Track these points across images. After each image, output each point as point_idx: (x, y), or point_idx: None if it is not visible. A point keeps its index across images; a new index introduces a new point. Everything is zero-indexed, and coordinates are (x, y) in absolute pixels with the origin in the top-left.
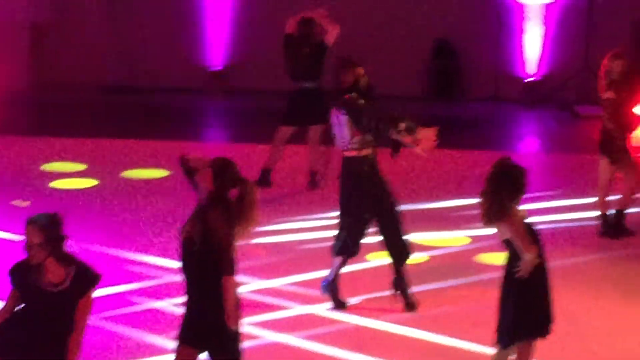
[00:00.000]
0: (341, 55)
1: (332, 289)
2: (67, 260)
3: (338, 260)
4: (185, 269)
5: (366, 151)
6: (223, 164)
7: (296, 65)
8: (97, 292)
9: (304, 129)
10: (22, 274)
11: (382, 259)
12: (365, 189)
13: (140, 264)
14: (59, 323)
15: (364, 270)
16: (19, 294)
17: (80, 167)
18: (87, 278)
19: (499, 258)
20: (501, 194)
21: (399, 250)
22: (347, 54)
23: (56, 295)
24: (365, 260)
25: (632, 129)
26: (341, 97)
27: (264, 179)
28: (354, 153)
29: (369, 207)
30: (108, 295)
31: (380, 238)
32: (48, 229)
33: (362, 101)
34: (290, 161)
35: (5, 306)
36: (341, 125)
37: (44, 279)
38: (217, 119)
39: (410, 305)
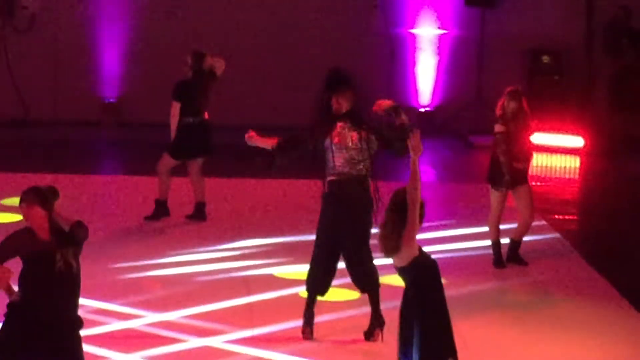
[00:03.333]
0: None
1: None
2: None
3: None
4: None
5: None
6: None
7: (193, 101)
8: None
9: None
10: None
11: (284, 290)
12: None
13: None
14: None
15: (262, 302)
16: None
17: None
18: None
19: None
20: (399, 225)
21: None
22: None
23: None
24: (263, 292)
25: (527, 159)
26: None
27: (160, 211)
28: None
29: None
30: None
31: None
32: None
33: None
34: (178, 193)
35: None
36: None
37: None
38: (111, 151)
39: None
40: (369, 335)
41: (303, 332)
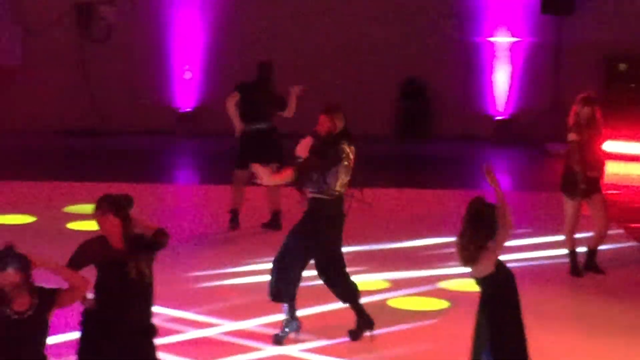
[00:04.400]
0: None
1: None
2: (33, 289)
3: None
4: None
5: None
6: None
7: (251, 107)
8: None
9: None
10: None
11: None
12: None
13: None
14: (29, 350)
15: (342, 310)
16: None
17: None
18: (46, 296)
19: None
20: (477, 234)
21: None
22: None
23: (23, 322)
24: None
25: (600, 167)
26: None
27: (233, 220)
28: (331, 196)
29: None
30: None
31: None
32: (24, 267)
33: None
34: (254, 202)
35: None
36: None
37: (11, 308)
38: (187, 161)
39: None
40: (355, 335)
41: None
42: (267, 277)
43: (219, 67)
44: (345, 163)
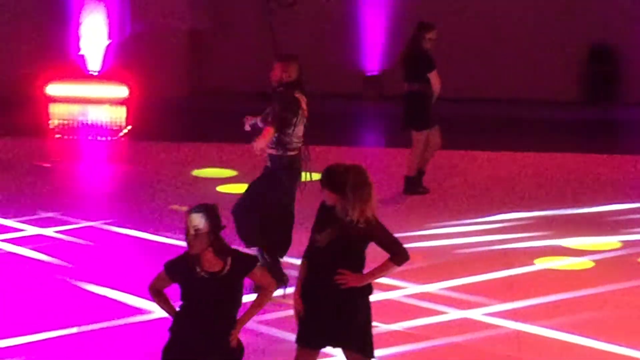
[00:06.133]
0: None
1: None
2: (224, 251)
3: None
4: (316, 267)
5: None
6: (329, 175)
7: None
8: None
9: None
10: (179, 269)
11: (544, 263)
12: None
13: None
14: (224, 306)
15: (522, 275)
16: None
17: (231, 173)
18: (245, 262)
19: None
20: None
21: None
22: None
23: (218, 281)
24: (524, 265)
25: None
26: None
27: (416, 184)
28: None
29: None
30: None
31: None
32: (213, 219)
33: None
34: (440, 166)
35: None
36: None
37: (203, 269)
38: (373, 124)
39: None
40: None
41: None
42: (450, 241)
43: (405, 30)
44: (300, 112)
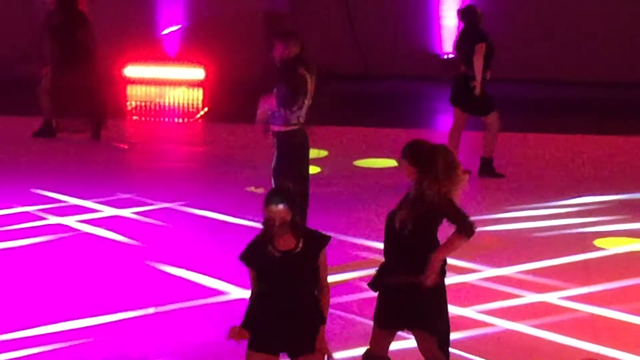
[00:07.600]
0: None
1: None
2: (298, 229)
3: None
4: (392, 252)
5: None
6: (414, 148)
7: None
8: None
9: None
10: (254, 255)
11: (622, 246)
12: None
13: (366, 249)
14: (300, 285)
15: (599, 259)
16: (256, 274)
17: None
18: (317, 240)
19: None
20: None
21: None
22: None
23: (292, 259)
24: (602, 249)
25: None
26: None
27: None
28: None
29: None
30: (337, 283)
31: None
32: (292, 204)
33: None
34: (511, 150)
35: (252, 291)
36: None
37: (276, 248)
38: (448, 107)
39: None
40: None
41: None
42: (526, 225)
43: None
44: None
